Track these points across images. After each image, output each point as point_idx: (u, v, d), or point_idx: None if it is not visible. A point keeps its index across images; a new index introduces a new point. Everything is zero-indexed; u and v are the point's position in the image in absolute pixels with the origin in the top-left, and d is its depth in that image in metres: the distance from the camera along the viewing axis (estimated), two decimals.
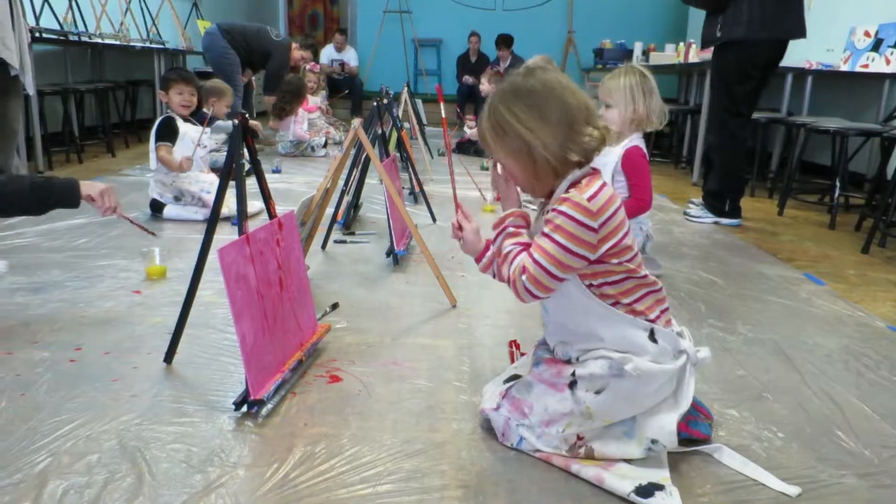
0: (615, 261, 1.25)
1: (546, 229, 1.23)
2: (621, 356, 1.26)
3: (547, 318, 1.39)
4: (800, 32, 3.31)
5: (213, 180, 3.23)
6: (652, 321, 1.29)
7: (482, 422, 1.43)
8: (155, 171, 3.21)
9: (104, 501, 1.14)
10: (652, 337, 1.28)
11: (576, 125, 1.23)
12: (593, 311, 1.28)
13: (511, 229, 1.31)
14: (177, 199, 3.24)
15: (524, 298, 1.26)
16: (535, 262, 1.22)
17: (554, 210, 1.23)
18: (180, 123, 3.25)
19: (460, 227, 1.40)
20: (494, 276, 1.40)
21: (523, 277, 1.23)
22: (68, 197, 1.89)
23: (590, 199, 1.20)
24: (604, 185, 1.24)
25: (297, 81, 5.51)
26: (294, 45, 5.88)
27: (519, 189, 1.36)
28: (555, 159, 1.24)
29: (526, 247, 1.27)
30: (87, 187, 1.91)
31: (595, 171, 1.28)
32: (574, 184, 1.25)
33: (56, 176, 1.96)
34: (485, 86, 5.94)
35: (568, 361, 1.35)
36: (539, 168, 1.26)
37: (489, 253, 1.39)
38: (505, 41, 7.93)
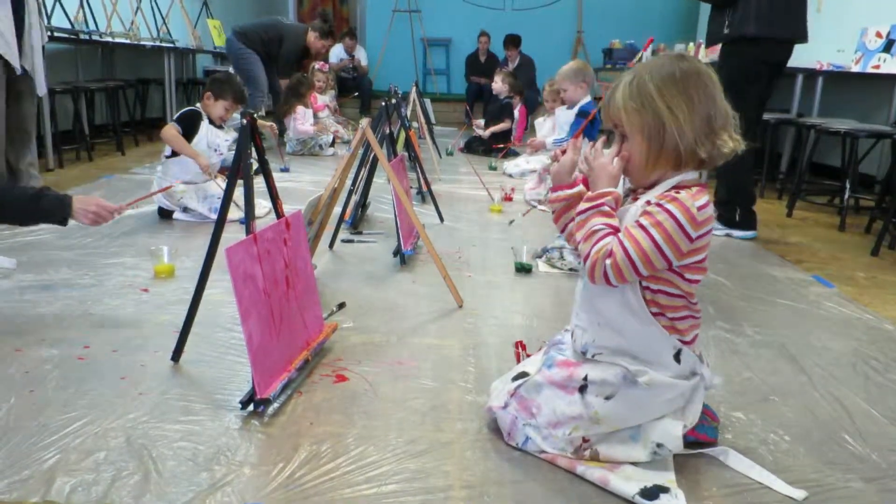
0: (689, 276, 1.25)
1: (643, 221, 1.21)
2: (637, 369, 1.26)
3: (583, 295, 1.37)
4: (804, 36, 3.26)
5: (220, 195, 3.19)
6: (685, 343, 1.29)
7: (488, 422, 1.43)
8: (161, 176, 3.17)
9: (111, 498, 1.15)
10: (677, 357, 1.28)
11: (715, 125, 1.23)
12: (635, 312, 1.27)
13: (606, 208, 1.27)
14: (185, 210, 3.17)
15: (597, 281, 1.24)
16: (625, 251, 1.20)
17: (658, 205, 1.21)
18: (203, 125, 3.19)
19: (563, 152, 1.37)
20: (554, 212, 1.40)
21: (607, 262, 1.21)
22: (55, 213, 1.91)
23: (700, 208, 1.20)
24: (710, 201, 1.23)
25: (294, 80, 5.53)
26: (312, 33, 5.78)
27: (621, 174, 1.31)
28: (684, 149, 1.22)
29: (614, 231, 1.24)
30: (79, 213, 1.92)
31: (703, 185, 1.26)
32: (682, 187, 1.24)
33: (51, 189, 1.98)
34: (498, 84, 5.94)
35: (584, 354, 1.34)
36: (665, 153, 1.23)
37: (570, 192, 1.35)
38: (513, 41, 7.89)
